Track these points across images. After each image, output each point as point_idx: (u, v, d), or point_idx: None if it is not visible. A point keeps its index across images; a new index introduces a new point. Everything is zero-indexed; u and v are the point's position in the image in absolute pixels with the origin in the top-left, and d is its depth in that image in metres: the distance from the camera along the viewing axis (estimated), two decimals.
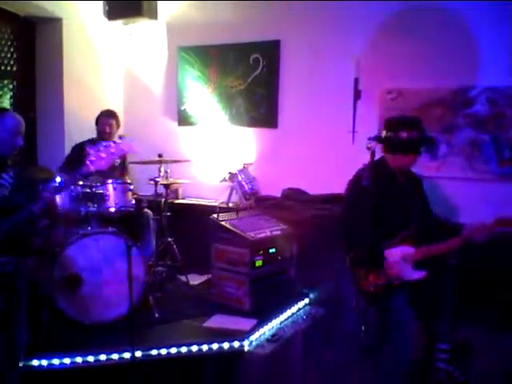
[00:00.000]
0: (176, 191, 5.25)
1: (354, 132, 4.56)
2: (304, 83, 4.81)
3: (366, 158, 2.82)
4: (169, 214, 4.49)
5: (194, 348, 3.21)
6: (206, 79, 5.32)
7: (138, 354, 3.04)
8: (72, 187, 3.61)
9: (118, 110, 5.25)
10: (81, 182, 3.71)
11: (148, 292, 3.66)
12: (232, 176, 4.75)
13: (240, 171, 4.75)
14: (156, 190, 4.21)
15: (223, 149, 5.26)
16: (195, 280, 4.46)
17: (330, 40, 4.62)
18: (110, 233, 3.53)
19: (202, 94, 5.35)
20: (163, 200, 4.50)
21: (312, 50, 4.74)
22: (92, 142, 4.58)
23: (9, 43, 5.01)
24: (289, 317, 3.80)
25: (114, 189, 3.77)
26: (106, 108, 4.71)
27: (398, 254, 2.95)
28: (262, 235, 3.81)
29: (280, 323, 3.67)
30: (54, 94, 5.15)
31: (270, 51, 4.95)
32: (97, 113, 4.62)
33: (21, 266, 2.70)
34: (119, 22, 5.49)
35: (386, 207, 2.93)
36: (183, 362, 3.20)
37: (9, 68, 5.03)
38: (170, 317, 3.65)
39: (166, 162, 4.42)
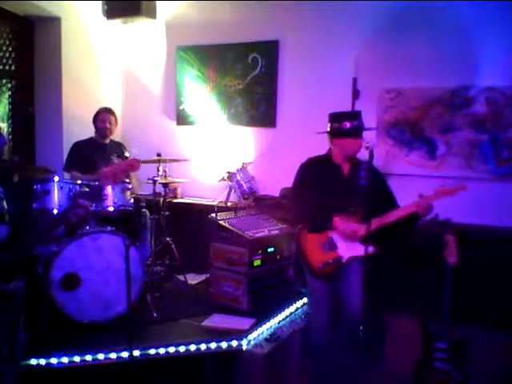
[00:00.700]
0: (174, 190, 5.25)
1: None
2: (302, 83, 4.81)
3: (364, 158, 2.84)
4: (167, 213, 4.49)
5: (193, 347, 3.22)
6: (204, 79, 5.32)
7: (137, 353, 3.05)
8: (70, 186, 3.61)
9: (117, 109, 5.24)
10: (79, 181, 3.72)
11: (146, 291, 3.66)
12: (231, 175, 4.75)
13: (239, 171, 4.76)
14: (154, 190, 4.21)
15: (222, 148, 5.26)
16: (193, 279, 4.47)
17: (329, 40, 4.62)
18: (108, 232, 3.53)
19: (200, 94, 5.34)
20: (162, 199, 4.50)
21: (310, 49, 4.73)
22: (91, 140, 4.59)
23: (7, 42, 5.00)
24: (287, 316, 3.80)
25: (113, 188, 3.77)
26: None
27: (343, 231, 3.09)
28: (261, 234, 3.82)
29: (278, 322, 3.67)
30: (52, 93, 5.14)
31: (268, 51, 4.95)
32: (95, 112, 4.62)
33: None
34: (118, 22, 5.48)
35: (324, 190, 3.14)
36: (181, 361, 3.20)
37: (7, 67, 5.03)
38: (169, 316, 3.66)
39: (165, 161, 4.42)
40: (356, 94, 4.53)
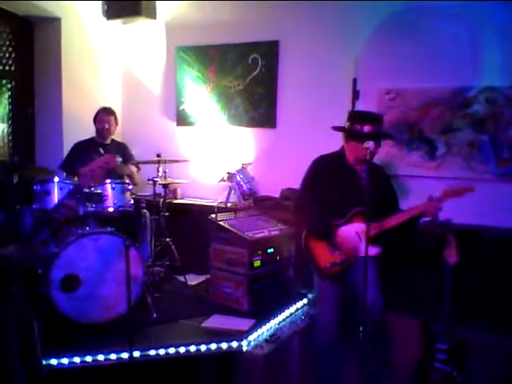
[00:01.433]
0: (174, 191, 5.25)
1: None
2: (303, 83, 4.81)
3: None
4: (167, 214, 4.49)
5: (193, 348, 3.22)
6: (204, 79, 5.32)
7: (137, 354, 3.05)
8: (70, 187, 3.60)
9: (117, 109, 5.24)
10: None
11: (146, 292, 3.66)
12: (231, 176, 4.75)
13: (239, 171, 4.75)
14: (154, 190, 4.21)
15: (222, 149, 5.26)
16: (193, 280, 4.46)
17: (329, 40, 4.62)
18: (108, 233, 3.53)
19: (200, 94, 5.34)
20: (162, 200, 4.50)
21: (310, 50, 4.73)
22: (92, 141, 4.59)
23: (7, 43, 5.00)
24: (287, 317, 3.80)
25: (113, 189, 3.77)
26: None
27: (351, 231, 3.04)
28: (261, 235, 3.82)
29: (278, 323, 3.67)
30: (52, 94, 5.14)
31: (268, 51, 4.95)
32: (95, 112, 4.62)
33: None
34: (118, 22, 5.48)
35: (335, 191, 3.09)
36: (181, 362, 3.20)
37: (7, 68, 5.02)
38: (169, 317, 3.66)
39: (165, 162, 4.42)
40: (356, 95, 4.52)
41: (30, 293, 3.11)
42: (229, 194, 4.82)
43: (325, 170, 3.20)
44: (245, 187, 4.68)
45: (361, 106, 4.51)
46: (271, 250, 3.85)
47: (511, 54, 3.95)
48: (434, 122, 4.23)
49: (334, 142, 4.62)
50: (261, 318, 3.58)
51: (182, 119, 5.48)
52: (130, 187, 3.96)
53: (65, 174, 4.31)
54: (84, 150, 4.48)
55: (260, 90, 5.03)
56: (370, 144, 2.87)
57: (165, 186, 4.47)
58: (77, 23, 5.23)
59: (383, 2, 4.30)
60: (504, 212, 3.98)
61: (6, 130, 5.04)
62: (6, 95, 5.06)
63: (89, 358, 3.02)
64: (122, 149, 4.66)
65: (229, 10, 5.06)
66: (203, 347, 3.23)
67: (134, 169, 4.56)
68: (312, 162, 3.26)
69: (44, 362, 2.89)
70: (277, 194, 4.71)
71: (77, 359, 3.00)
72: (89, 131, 4.63)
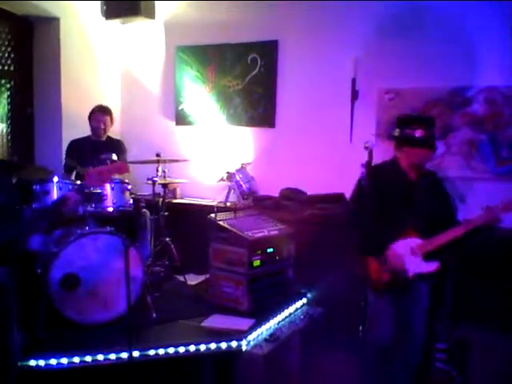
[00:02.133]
0: (174, 191, 5.25)
1: (351, 132, 4.56)
2: (302, 83, 4.81)
3: (363, 158, 2.83)
4: (166, 213, 4.48)
5: (192, 348, 3.21)
6: (203, 79, 5.31)
7: (136, 353, 3.04)
8: (70, 187, 3.61)
9: (116, 109, 5.25)
10: (78, 182, 3.71)
11: (146, 292, 3.66)
12: (230, 176, 4.75)
13: (238, 171, 4.75)
14: (154, 190, 4.21)
15: (221, 148, 5.26)
16: (193, 280, 4.46)
17: (328, 40, 4.62)
18: (107, 232, 3.52)
19: (199, 94, 5.34)
20: (161, 200, 4.50)
21: (310, 50, 4.73)
22: (87, 139, 4.59)
23: (6, 43, 5.00)
24: (286, 317, 3.79)
25: (112, 188, 3.76)
26: None
27: (405, 247, 2.94)
28: (260, 235, 3.81)
29: (278, 323, 3.66)
30: (51, 94, 5.14)
31: (267, 51, 4.95)
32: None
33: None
34: (117, 22, 5.48)
35: (392, 202, 2.98)
36: (181, 361, 3.19)
37: (6, 67, 5.02)
38: (168, 317, 3.65)
39: (164, 161, 4.42)
40: (355, 95, 4.53)
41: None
42: (228, 193, 4.81)
43: (378, 181, 3.02)
44: (244, 187, 4.68)
45: (360, 106, 4.52)
46: (271, 250, 3.84)
47: (510, 54, 3.95)
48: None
49: (333, 142, 4.66)
50: (260, 318, 3.58)
51: (181, 119, 5.48)
52: (130, 187, 3.96)
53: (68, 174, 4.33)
54: (78, 147, 4.49)
55: (259, 89, 5.03)
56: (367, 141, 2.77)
57: (164, 185, 4.46)
58: (76, 23, 5.22)
59: (382, 2, 4.30)
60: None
61: (5, 130, 5.04)
62: (5, 95, 5.06)
63: (88, 358, 3.01)
64: (116, 146, 4.64)
65: (228, 10, 5.06)
66: (203, 347, 3.22)
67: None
68: (364, 174, 3.07)
69: (35, 363, 2.91)
70: (276, 194, 4.71)
71: (76, 359, 2.99)
72: (88, 131, 4.63)
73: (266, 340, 3.39)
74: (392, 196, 3.01)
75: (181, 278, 4.40)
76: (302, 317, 3.84)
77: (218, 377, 3.24)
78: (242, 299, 3.69)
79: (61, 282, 3.28)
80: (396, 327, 3.04)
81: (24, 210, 3.43)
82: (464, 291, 3.34)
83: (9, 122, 5.07)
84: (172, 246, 4.40)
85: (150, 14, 5.35)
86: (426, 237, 2.94)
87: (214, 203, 4.80)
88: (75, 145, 4.54)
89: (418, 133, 2.96)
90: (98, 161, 4.19)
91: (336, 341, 3.55)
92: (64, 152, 4.67)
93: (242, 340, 3.26)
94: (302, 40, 4.76)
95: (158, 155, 4.37)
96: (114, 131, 4.88)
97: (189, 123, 5.43)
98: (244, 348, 3.24)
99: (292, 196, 4.61)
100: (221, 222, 3.88)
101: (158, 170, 4.35)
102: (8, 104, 5.07)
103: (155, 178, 4.23)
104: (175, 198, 5.26)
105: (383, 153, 4.31)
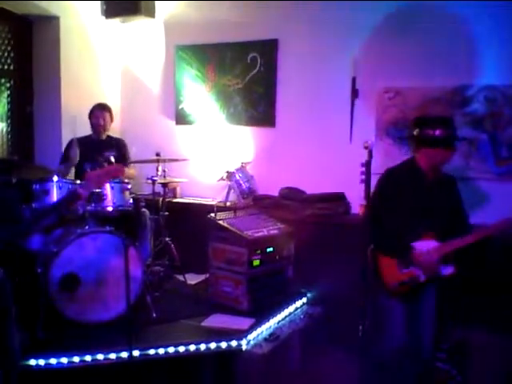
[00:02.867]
0: (174, 190, 5.25)
1: (351, 131, 4.56)
2: (302, 82, 4.80)
3: (363, 157, 2.83)
4: (166, 213, 4.48)
5: (192, 347, 3.22)
6: (203, 78, 5.31)
7: (136, 353, 3.04)
8: (70, 186, 3.61)
9: (116, 108, 5.24)
10: (78, 181, 3.71)
11: (146, 291, 3.66)
12: (230, 175, 4.75)
13: (238, 170, 4.75)
14: (154, 189, 4.21)
15: (221, 148, 5.25)
16: (193, 279, 4.46)
17: (328, 39, 4.61)
18: (107, 232, 3.53)
19: (199, 93, 5.33)
20: (161, 199, 4.50)
21: (310, 48, 4.73)
22: (87, 137, 4.58)
23: (6, 42, 4.99)
24: (286, 316, 3.80)
25: (112, 188, 3.77)
26: None
27: (424, 248, 2.93)
28: (260, 234, 3.82)
29: (278, 322, 3.67)
30: (51, 93, 5.13)
31: (267, 50, 4.94)
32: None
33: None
34: (117, 21, 5.47)
35: (410, 204, 2.98)
36: (181, 361, 3.20)
37: (6, 66, 5.02)
38: (168, 316, 3.65)
39: (164, 160, 4.42)
40: (355, 94, 4.53)
41: (29, 292, 3.13)
42: (228, 192, 4.82)
43: (397, 183, 3.05)
44: (244, 186, 4.68)
45: (360, 105, 4.52)
46: (270, 249, 3.85)
47: (510, 53, 3.95)
48: None
49: (333, 141, 4.66)
50: (260, 317, 3.58)
51: (181, 118, 5.48)
52: (129, 186, 3.96)
53: (63, 167, 4.31)
54: (81, 145, 4.48)
55: (259, 88, 5.03)
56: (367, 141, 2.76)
57: (164, 185, 4.46)
58: (76, 22, 5.21)
59: (382, 1, 4.29)
60: (504, 211, 3.98)
61: (4, 129, 5.03)
62: (5, 94, 5.05)
63: (88, 358, 3.02)
64: (118, 145, 4.64)
65: (228, 9, 5.05)
66: (203, 346, 3.23)
67: (130, 171, 4.54)
68: (384, 175, 3.13)
69: (35, 362, 2.91)
70: (276, 193, 4.71)
71: (76, 358, 2.99)
72: (88, 129, 4.63)
73: (265, 339, 3.40)
74: (411, 198, 2.99)
75: (180, 278, 4.41)
76: (301, 316, 3.85)
77: (218, 376, 3.24)
78: (242, 298, 3.69)
79: (61, 282, 3.28)
80: (407, 326, 3.04)
81: (24, 210, 3.43)
82: (464, 291, 3.34)
83: (9, 120, 5.07)
84: (172, 245, 4.40)
85: (150, 13, 5.34)
86: (441, 239, 2.93)
87: (213, 202, 4.80)
88: (74, 143, 4.54)
89: (438, 132, 2.92)
90: (100, 159, 4.20)
91: (336, 340, 3.55)
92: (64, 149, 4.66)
93: (241, 339, 3.27)
94: (303, 39, 4.75)
95: (157, 154, 4.37)
96: (114, 130, 4.87)
97: (189, 122, 5.43)
98: (244, 347, 3.25)
99: (292, 195, 4.61)
100: (220, 222, 3.89)
101: (157, 170, 4.35)
102: (8, 103, 5.06)
103: (155, 178, 4.23)
104: (175, 197, 5.25)
105: (383, 151, 4.35)
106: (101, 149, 4.49)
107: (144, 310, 3.59)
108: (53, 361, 2.96)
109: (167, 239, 4.41)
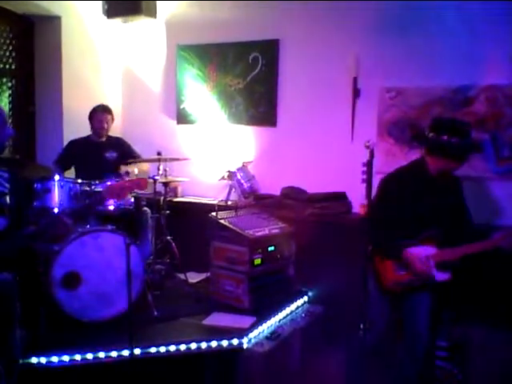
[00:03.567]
0: (175, 189, 5.25)
1: (352, 130, 4.56)
2: (303, 82, 4.81)
3: (364, 157, 2.84)
4: (168, 212, 4.48)
5: (193, 346, 3.22)
6: (205, 78, 5.32)
7: (137, 351, 3.05)
8: (71, 185, 3.62)
9: (117, 108, 5.25)
10: (79, 180, 3.72)
11: (147, 290, 3.66)
12: (231, 174, 4.75)
13: (239, 169, 4.75)
14: (155, 189, 4.21)
15: (222, 147, 5.26)
16: (194, 278, 4.46)
17: (329, 39, 4.62)
18: (108, 231, 3.54)
19: (201, 93, 5.34)
20: (162, 198, 4.50)
21: (311, 48, 4.73)
22: (87, 139, 4.59)
23: (8, 41, 5.00)
24: (287, 315, 3.81)
25: None
26: None
27: (421, 253, 2.92)
28: (261, 233, 3.82)
29: (279, 321, 3.68)
30: (52, 92, 5.14)
31: (269, 50, 4.94)
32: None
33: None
34: (118, 21, 5.48)
35: (417, 207, 2.96)
36: (182, 359, 3.20)
37: (8, 66, 5.03)
38: (169, 315, 3.66)
39: (165, 160, 4.41)
40: (356, 93, 4.53)
41: (31, 290, 3.14)
42: (229, 192, 4.82)
43: (404, 186, 3.01)
44: (245, 185, 4.68)
45: (362, 105, 4.52)
46: (272, 248, 3.85)
47: (511, 52, 3.95)
48: None
49: (334, 140, 4.66)
50: (261, 316, 3.59)
51: (182, 118, 5.48)
52: None
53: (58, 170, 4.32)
54: (77, 148, 4.49)
55: (260, 88, 5.03)
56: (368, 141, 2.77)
57: (165, 184, 4.46)
58: (77, 22, 5.23)
59: (383, 1, 4.30)
60: (504, 211, 3.99)
61: None
62: (7, 94, 5.06)
63: (90, 356, 3.03)
64: (118, 145, 4.64)
65: (229, 9, 5.06)
66: (204, 345, 3.23)
67: (144, 168, 4.54)
68: (391, 177, 3.10)
69: (36, 360, 2.92)
70: (277, 192, 4.72)
71: (78, 356, 3.00)
72: (89, 129, 4.63)
73: (267, 338, 3.40)
74: (414, 199, 2.97)
75: (182, 277, 4.40)
76: (302, 315, 3.85)
77: (219, 374, 3.24)
78: (243, 297, 3.69)
79: (62, 280, 3.29)
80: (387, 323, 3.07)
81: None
82: (465, 289, 3.33)
83: (10, 120, 5.07)
84: (173, 244, 4.39)
85: (152, 13, 5.35)
86: (443, 245, 2.92)
87: (215, 202, 4.80)
88: (73, 145, 4.54)
89: (455, 140, 2.83)
90: (103, 160, 4.21)
91: (337, 339, 3.55)
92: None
93: (243, 338, 3.28)
94: (304, 39, 4.75)
95: (159, 154, 4.36)
96: (115, 130, 4.87)
97: (190, 122, 5.44)
98: (245, 346, 3.26)
99: (293, 195, 4.62)
100: (222, 221, 3.89)
101: (159, 169, 4.35)
102: (9, 103, 5.07)
103: (156, 177, 4.23)
104: (176, 196, 5.26)
105: (384, 151, 4.35)
106: (101, 150, 4.50)
107: (145, 308, 3.60)
108: (54, 359, 2.97)
109: (168, 238, 4.40)
